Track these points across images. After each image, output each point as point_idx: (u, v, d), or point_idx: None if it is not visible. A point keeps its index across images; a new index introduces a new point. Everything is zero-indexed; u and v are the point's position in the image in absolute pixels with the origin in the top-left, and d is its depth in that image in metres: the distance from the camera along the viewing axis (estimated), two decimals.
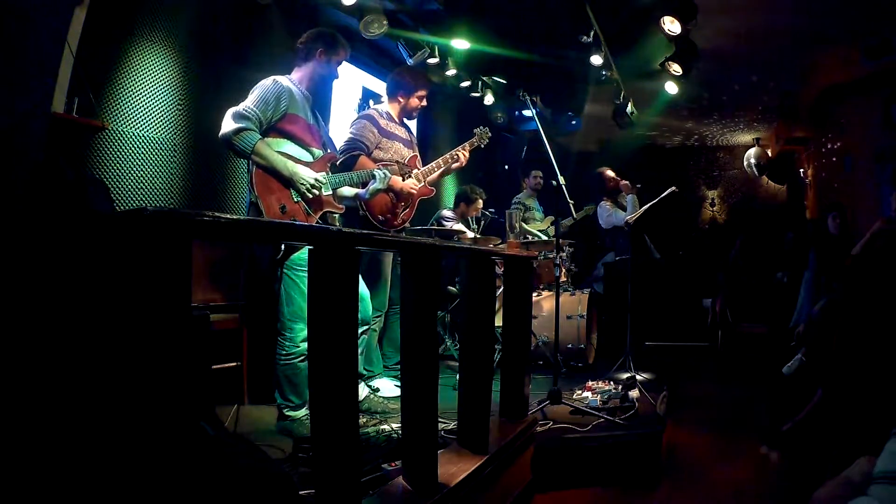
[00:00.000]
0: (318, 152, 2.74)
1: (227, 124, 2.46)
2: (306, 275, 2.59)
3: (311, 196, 2.59)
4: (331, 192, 2.72)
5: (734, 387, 4.91)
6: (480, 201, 5.11)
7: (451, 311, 4.51)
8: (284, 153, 2.57)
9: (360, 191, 3.02)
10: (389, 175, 3.05)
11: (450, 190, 6.61)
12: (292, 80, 2.74)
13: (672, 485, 2.74)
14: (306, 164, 2.64)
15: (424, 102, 3.52)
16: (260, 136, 2.50)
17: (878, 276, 3.88)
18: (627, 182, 4.99)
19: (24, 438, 1.16)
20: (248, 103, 2.53)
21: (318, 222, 2.65)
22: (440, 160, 3.52)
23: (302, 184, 2.56)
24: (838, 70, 5.85)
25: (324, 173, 2.69)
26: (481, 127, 3.63)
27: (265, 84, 2.61)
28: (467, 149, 3.57)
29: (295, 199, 2.57)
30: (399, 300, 3.25)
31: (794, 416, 3.16)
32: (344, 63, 2.90)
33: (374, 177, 2.95)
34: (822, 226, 5.14)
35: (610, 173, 5.17)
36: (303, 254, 2.55)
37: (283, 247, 2.52)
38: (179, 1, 3.54)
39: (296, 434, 2.43)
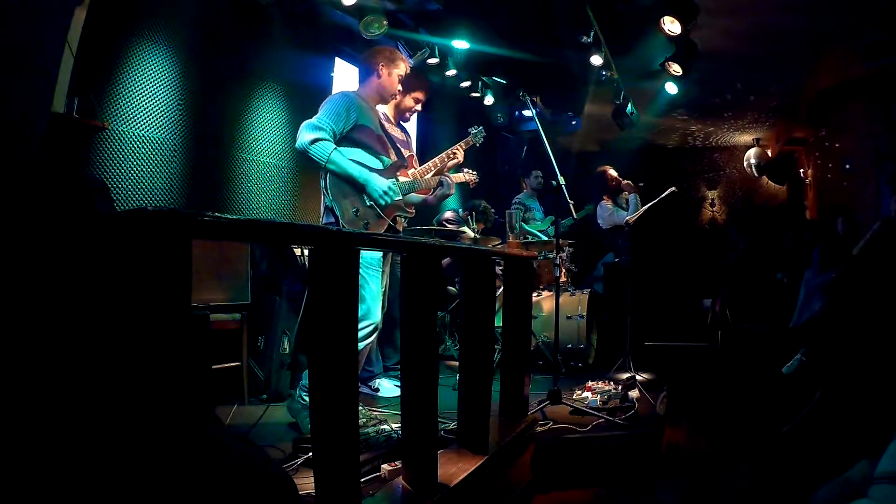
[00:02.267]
0: (388, 160, 2.87)
1: (303, 136, 2.62)
2: (377, 273, 2.69)
3: (382, 203, 2.71)
4: (401, 197, 2.84)
5: (734, 387, 4.90)
6: (485, 225, 5.09)
7: (451, 311, 4.50)
8: (356, 160, 2.71)
9: (429, 196, 3.17)
10: (453, 181, 3.22)
11: None
12: (359, 94, 2.91)
13: (672, 485, 2.74)
14: (377, 170, 2.77)
15: (419, 106, 3.50)
16: (334, 146, 2.64)
17: (878, 277, 3.87)
18: (630, 182, 4.98)
19: (26, 437, 1.16)
20: (321, 115, 2.69)
21: (389, 224, 2.78)
22: (436, 159, 3.53)
23: (375, 191, 2.68)
24: (838, 70, 5.84)
25: (394, 179, 2.82)
26: (476, 126, 3.63)
27: (335, 98, 2.82)
28: (462, 148, 3.57)
29: (367, 204, 2.70)
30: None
31: (794, 416, 3.17)
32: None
33: (441, 184, 3.13)
34: (827, 226, 5.12)
35: (613, 172, 5.16)
36: (376, 253, 2.69)
37: None
38: (180, 1, 3.54)
39: (298, 427, 2.44)
